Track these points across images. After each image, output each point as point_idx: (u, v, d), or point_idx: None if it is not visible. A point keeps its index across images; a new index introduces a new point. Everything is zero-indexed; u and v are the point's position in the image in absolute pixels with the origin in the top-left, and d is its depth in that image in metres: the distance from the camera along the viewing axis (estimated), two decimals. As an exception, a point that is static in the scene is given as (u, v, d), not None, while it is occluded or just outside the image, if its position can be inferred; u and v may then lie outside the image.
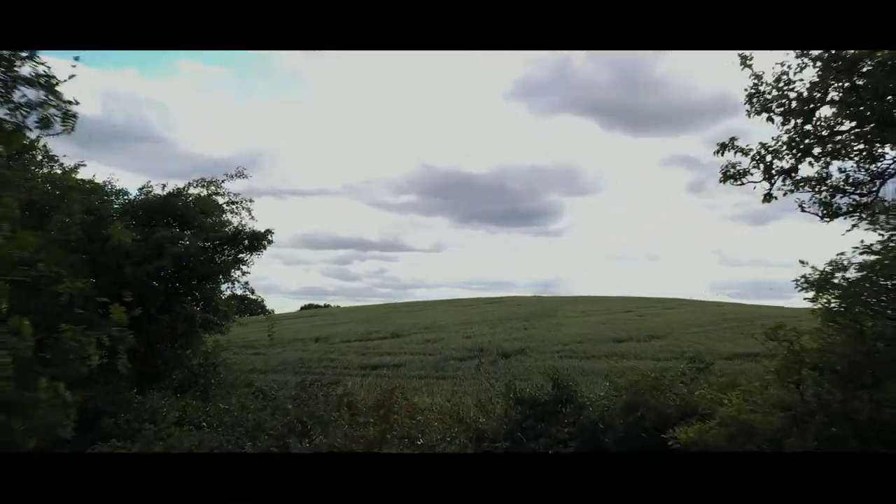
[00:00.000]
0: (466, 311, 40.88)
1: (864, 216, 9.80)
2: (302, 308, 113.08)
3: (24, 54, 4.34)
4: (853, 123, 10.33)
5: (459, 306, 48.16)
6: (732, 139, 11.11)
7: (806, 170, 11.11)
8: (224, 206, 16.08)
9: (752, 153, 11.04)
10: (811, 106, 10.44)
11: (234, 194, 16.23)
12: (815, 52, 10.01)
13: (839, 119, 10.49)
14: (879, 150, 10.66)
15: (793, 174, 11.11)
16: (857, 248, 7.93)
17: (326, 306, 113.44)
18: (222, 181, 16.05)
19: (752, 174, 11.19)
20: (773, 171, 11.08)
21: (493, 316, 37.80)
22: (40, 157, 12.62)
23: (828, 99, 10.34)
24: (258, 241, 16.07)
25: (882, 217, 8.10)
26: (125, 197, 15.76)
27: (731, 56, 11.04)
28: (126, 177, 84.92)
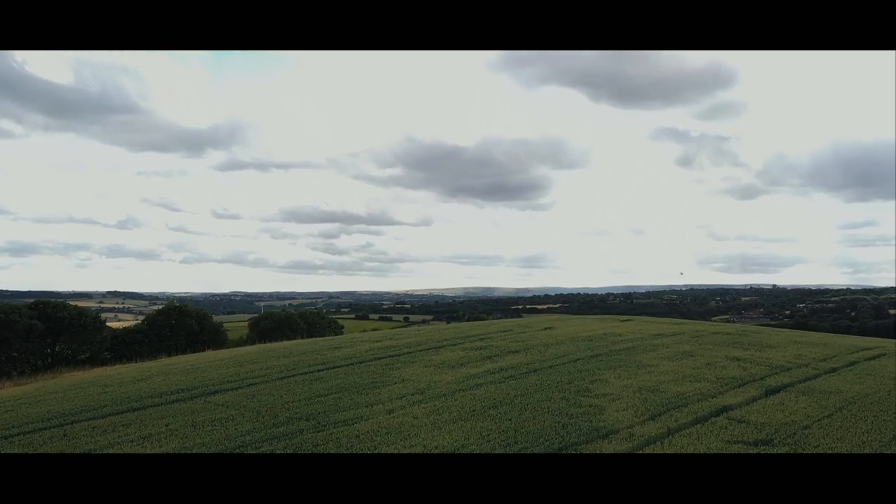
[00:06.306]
0: (479, 394, 22.50)
1: None
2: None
3: None
4: None
5: (456, 347, 28.69)
6: None
7: None
8: None
9: None
10: None
11: None
12: None
13: None
14: None
15: None
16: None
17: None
18: None
19: None
20: None
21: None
22: None
23: None
24: None
25: None
26: None
27: None
28: (103, 150, 63.89)
